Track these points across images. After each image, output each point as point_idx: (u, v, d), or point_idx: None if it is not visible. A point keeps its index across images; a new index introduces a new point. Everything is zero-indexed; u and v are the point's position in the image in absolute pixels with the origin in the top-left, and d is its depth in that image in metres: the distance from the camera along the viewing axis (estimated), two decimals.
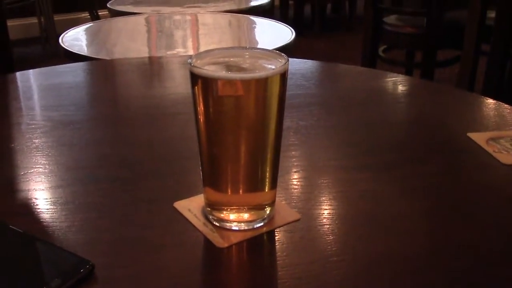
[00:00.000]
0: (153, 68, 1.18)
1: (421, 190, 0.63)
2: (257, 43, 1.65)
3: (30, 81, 1.05)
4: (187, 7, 2.17)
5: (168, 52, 1.50)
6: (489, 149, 0.72)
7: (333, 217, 0.57)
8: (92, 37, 1.72)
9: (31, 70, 1.08)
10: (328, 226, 0.55)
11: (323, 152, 0.73)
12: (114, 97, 0.98)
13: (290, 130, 0.78)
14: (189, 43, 1.63)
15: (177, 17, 1.94)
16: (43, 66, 1.09)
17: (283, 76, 0.49)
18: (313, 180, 0.65)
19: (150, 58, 1.35)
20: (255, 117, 0.49)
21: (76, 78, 1.06)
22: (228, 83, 0.47)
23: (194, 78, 0.49)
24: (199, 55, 0.51)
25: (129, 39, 1.66)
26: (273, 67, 0.49)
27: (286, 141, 0.74)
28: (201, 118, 0.50)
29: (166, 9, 2.14)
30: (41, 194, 0.61)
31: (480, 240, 0.54)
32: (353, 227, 0.56)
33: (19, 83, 1.03)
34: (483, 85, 2.52)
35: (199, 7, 2.16)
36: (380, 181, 0.64)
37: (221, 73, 0.47)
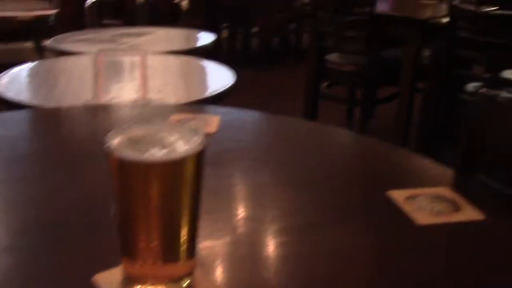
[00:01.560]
0: (94, 118, 1.18)
1: (339, 254, 0.65)
2: (199, 88, 1.67)
3: None
4: (129, 45, 2.17)
5: (111, 96, 1.50)
6: (407, 208, 0.75)
7: (253, 284, 0.59)
8: (30, 79, 1.70)
9: None
10: None
11: (247, 213, 0.75)
12: (45, 152, 0.97)
13: (216, 190, 0.79)
14: (134, 87, 1.64)
15: (123, 58, 1.94)
16: None
17: (199, 155, 0.51)
18: (236, 245, 0.67)
19: (92, 106, 1.35)
20: (168, 196, 0.51)
21: (7, 130, 1.05)
22: (140, 165, 0.49)
23: (108, 157, 0.50)
24: (115, 132, 0.52)
25: (71, 82, 1.64)
26: (188, 147, 0.50)
27: (210, 203, 0.75)
28: (116, 193, 0.51)
29: (111, 48, 2.14)
30: None
31: None
32: None
33: None
34: (419, 120, 2.63)
35: (141, 46, 2.17)
36: (300, 245, 0.67)
37: (132, 154, 0.49)
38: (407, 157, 0.97)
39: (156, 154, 0.50)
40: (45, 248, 0.64)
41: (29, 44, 3.99)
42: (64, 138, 1.05)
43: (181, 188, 0.51)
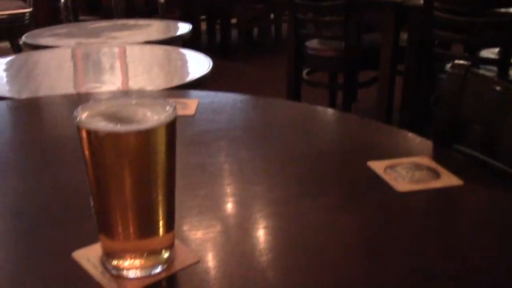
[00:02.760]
0: (68, 107, 1.16)
1: (322, 223, 0.65)
2: (176, 75, 1.66)
3: None
4: (107, 38, 2.15)
5: (87, 87, 1.48)
6: (386, 177, 0.75)
7: (232, 257, 0.58)
8: (6, 73, 1.67)
9: None
10: (226, 267, 0.57)
11: (228, 189, 0.75)
12: (22, 141, 0.96)
13: (197, 167, 0.79)
14: (109, 77, 1.62)
15: (97, 49, 1.92)
16: None
17: (170, 126, 0.50)
18: (215, 219, 0.66)
19: (70, 95, 1.33)
20: (140, 167, 0.50)
21: None
22: (111, 136, 0.48)
23: (79, 130, 0.49)
24: (85, 106, 0.51)
25: (48, 75, 1.62)
26: (157, 117, 0.50)
27: (193, 180, 0.75)
28: (89, 169, 0.50)
29: (85, 41, 2.12)
30: None
31: (377, 271, 0.56)
32: (252, 265, 0.57)
33: None
34: (400, 102, 2.64)
35: (119, 38, 2.15)
36: (282, 217, 0.66)
37: (104, 125, 0.48)
38: (386, 130, 0.97)
39: (127, 125, 0.49)
40: (25, 231, 0.63)
41: (5, 44, 3.93)
42: (42, 127, 1.04)
43: (154, 160, 0.50)
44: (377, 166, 0.79)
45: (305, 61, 2.90)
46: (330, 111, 1.14)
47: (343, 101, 2.89)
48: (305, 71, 3.00)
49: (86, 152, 0.50)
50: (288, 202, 0.70)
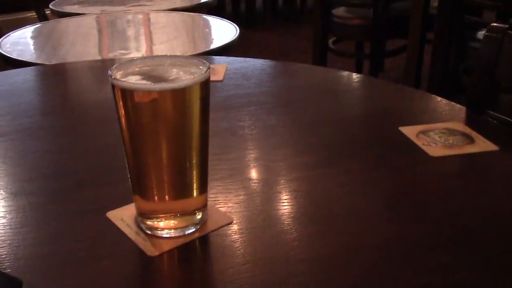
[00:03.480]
0: (99, 72, 1.17)
1: (352, 187, 0.65)
2: (203, 42, 1.65)
3: None
4: (132, 5, 2.14)
5: (116, 54, 1.49)
6: (419, 142, 0.74)
7: (265, 219, 0.58)
8: (34, 40, 1.68)
9: None
10: (260, 228, 0.57)
11: (258, 153, 0.74)
12: (54, 105, 0.97)
13: (227, 131, 0.79)
14: (138, 44, 1.62)
15: (125, 16, 1.92)
16: None
17: (204, 84, 0.50)
18: (246, 182, 0.66)
19: (97, 61, 1.33)
20: (176, 126, 0.50)
21: (14, 85, 1.04)
22: (146, 94, 0.48)
23: (115, 89, 0.49)
24: (120, 65, 0.51)
25: (75, 42, 1.63)
26: (192, 76, 0.49)
27: (223, 143, 0.74)
28: (124, 128, 0.50)
29: (112, 9, 2.11)
30: None
31: (409, 234, 0.56)
32: (286, 227, 0.57)
33: None
34: (429, 71, 2.59)
35: (145, 5, 2.14)
36: (312, 180, 0.66)
37: (139, 84, 0.48)
38: (418, 95, 0.95)
39: (162, 83, 0.49)
40: (59, 192, 0.64)
41: (32, 14, 3.95)
42: (72, 91, 1.05)
43: (188, 119, 0.50)
44: (409, 131, 0.78)
45: (331, 30, 2.85)
46: (360, 76, 1.12)
47: (370, 71, 2.85)
48: (331, 40, 2.96)
49: (121, 111, 0.50)
50: (318, 166, 0.69)
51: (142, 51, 1.51)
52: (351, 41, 3.14)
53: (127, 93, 0.48)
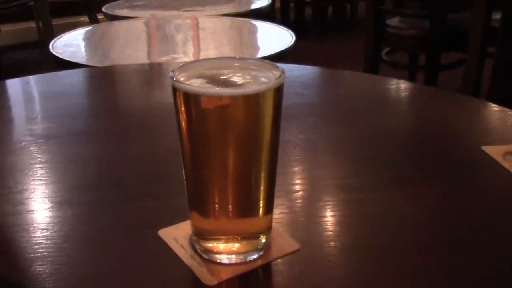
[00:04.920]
0: (149, 75, 1.12)
1: (434, 212, 0.57)
2: (257, 47, 1.59)
3: (18, 89, 0.99)
4: (184, 10, 2.11)
5: (167, 58, 1.44)
6: (507, 165, 0.65)
7: (337, 247, 0.51)
8: (86, 42, 1.67)
9: (18, 79, 1.03)
10: (331, 257, 0.49)
11: (324, 169, 0.67)
12: (104, 108, 0.92)
13: (288, 144, 0.72)
14: (190, 48, 1.58)
15: (177, 21, 1.88)
16: (39, 73, 1.04)
17: (278, 91, 0.43)
18: (314, 202, 0.59)
19: (147, 64, 1.29)
20: (245, 136, 0.43)
21: (66, 87, 1.00)
22: (214, 100, 0.41)
23: (177, 93, 0.43)
24: (183, 66, 0.45)
25: (126, 45, 1.60)
26: (266, 80, 0.43)
27: (284, 157, 0.68)
28: (184, 136, 0.44)
29: (163, 13, 2.09)
30: (9, 220, 0.55)
31: (502, 271, 0.47)
32: (360, 259, 0.50)
33: (7, 92, 0.98)
34: (489, 89, 2.46)
35: (196, 10, 2.10)
36: (388, 203, 0.58)
37: (206, 88, 0.41)
38: (497, 111, 0.86)
39: (231, 88, 0.42)
40: (107, 203, 0.59)
41: (84, 18, 4.01)
42: (123, 94, 1.00)
43: (260, 129, 0.44)
44: (494, 151, 0.69)
45: (384, 40, 2.75)
46: (429, 88, 1.03)
47: (424, 84, 2.74)
48: (383, 52, 2.86)
49: (182, 118, 0.43)
50: (394, 187, 0.61)
51: (191, 56, 1.46)
52: (404, 53, 3.04)
53: (191, 98, 0.42)
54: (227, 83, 0.43)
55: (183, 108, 0.43)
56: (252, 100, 0.41)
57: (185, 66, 0.45)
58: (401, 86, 0.98)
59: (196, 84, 0.42)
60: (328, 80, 1.06)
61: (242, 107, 0.41)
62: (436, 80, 3.11)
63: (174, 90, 0.43)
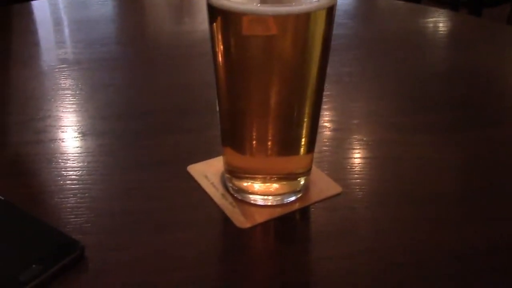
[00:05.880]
0: (176, 2, 1.06)
1: (491, 160, 0.51)
2: None
3: (44, 12, 0.94)
4: None
5: None
6: None
7: (383, 192, 0.46)
8: None
9: (45, 0, 0.97)
10: (374, 204, 0.45)
11: (370, 106, 0.62)
12: (134, 34, 0.87)
13: (330, 77, 0.65)
14: None
15: None
16: None
17: (330, 11, 0.37)
18: (358, 143, 0.54)
19: None
20: (291, 62, 0.37)
21: (90, 13, 0.95)
22: (257, 20, 0.35)
23: (213, 11, 0.37)
24: None
25: None
26: (315, 1, 0.36)
27: (326, 93, 0.62)
28: (221, 62, 0.38)
29: None
30: (31, 149, 0.52)
31: None
32: (405, 207, 0.45)
33: (34, 14, 0.93)
34: None
35: None
36: (440, 147, 0.53)
37: (248, 5, 0.35)
38: None
39: (277, 6, 0.36)
40: (134, 134, 0.55)
41: None
42: (151, 21, 0.95)
43: (307, 56, 0.38)
44: None
45: None
46: (482, 20, 0.94)
47: None
48: None
49: (218, 41, 0.38)
50: (448, 129, 0.56)
51: None
52: None
53: (230, 17, 0.36)
54: (272, 1, 0.37)
55: (219, 30, 0.37)
56: (301, 21, 0.35)
57: None
58: (447, 19, 0.90)
59: (236, 1, 0.36)
60: (372, 10, 0.97)
61: (289, 29, 0.35)
62: (479, 17, 2.94)
63: (210, 8, 0.37)
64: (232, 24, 0.36)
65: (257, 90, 0.38)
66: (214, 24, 0.37)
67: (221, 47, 0.37)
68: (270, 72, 0.37)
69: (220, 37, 0.37)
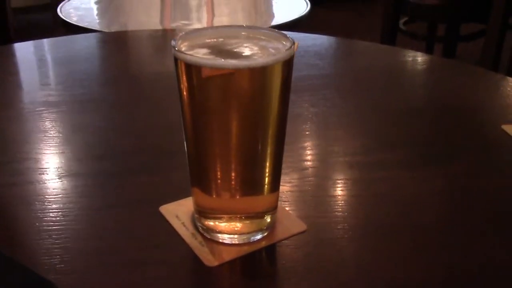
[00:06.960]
0: (159, 42, 1.09)
1: (448, 195, 0.54)
2: (271, 15, 1.54)
3: (25, 53, 0.97)
4: None
5: (178, 24, 1.41)
6: None
7: (345, 229, 0.49)
8: (96, 6, 1.63)
9: (26, 42, 1.00)
10: (339, 241, 0.47)
11: (336, 145, 0.64)
12: (113, 75, 0.90)
13: (299, 117, 0.69)
14: (203, 14, 1.53)
15: None
16: (50, 36, 1.02)
17: (287, 63, 0.40)
18: (323, 181, 0.56)
19: (160, 30, 1.26)
20: (250, 111, 0.40)
21: (71, 52, 0.98)
22: (217, 72, 0.38)
23: (178, 63, 0.40)
24: (186, 35, 0.42)
25: (137, 9, 1.56)
26: (275, 52, 0.40)
27: (294, 131, 0.65)
28: (186, 110, 0.41)
29: None
30: (7, 190, 0.53)
31: None
32: (370, 242, 0.47)
33: (14, 56, 0.95)
34: (509, 62, 2.38)
35: None
36: (401, 183, 0.56)
37: (209, 59, 0.38)
38: None
39: (235, 59, 0.39)
40: (109, 175, 0.57)
41: None
42: (131, 62, 0.98)
43: (266, 103, 0.41)
44: None
45: (403, 9, 2.67)
46: (450, 61, 0.99)
47: (442, 56, 2.67)
48: (402, 21, 2.78)
49: (183, 90, 0.41)
50: (408, 166, 0.59)
51: (204, 23, 1.43)
52: (422, 23, 2.95)
53: (193, 69, 0.39)
54: (232, 54, 0.40)
55: (184, 80, 0.40)
56: (258, 74, 0.38)
57: (189, 34, 0.42)
58: (418, 59, 0.94)
59: (198, 55, 0.39)
60: (343, 51, 1.02)
61: (247, 80, 0.38)
62: (454, 52, 3.03)
63: (176, 60, 0.40)
64: (194, 75, 0.39)
65: (220, 134, 0.41)
66: (179, 73, 0.40)
67: (185, 95, 0.40)
68: (231, 118, 0.40)
69: (184, 86, 0.40)
